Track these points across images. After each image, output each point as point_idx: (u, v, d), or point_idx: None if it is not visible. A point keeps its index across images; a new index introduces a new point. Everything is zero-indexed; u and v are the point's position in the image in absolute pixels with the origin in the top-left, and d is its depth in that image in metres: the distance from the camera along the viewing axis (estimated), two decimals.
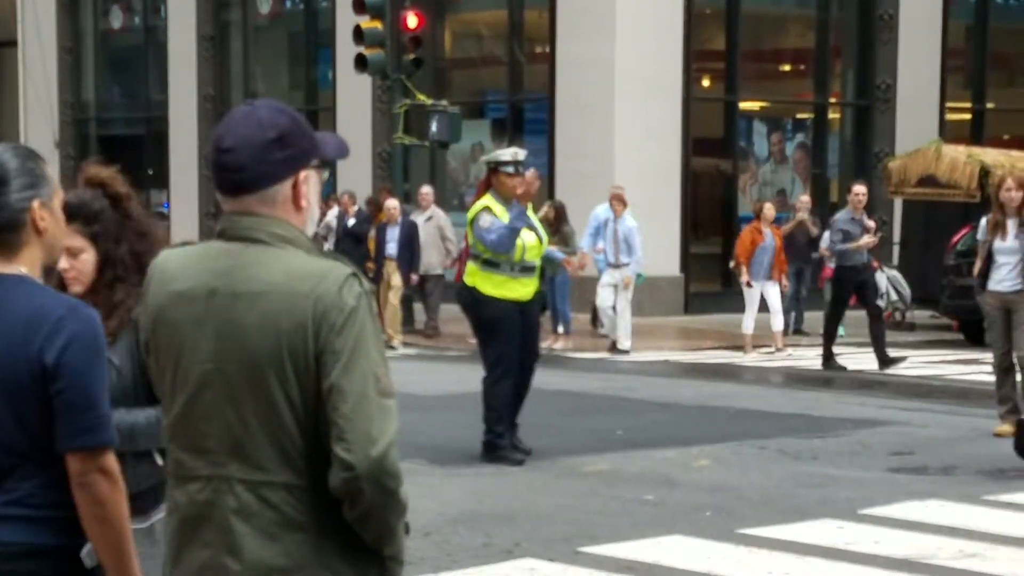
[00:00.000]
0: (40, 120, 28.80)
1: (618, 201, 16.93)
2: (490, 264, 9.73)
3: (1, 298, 3.10)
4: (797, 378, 15.22)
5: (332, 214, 19.38)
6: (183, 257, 2.96)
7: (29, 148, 3.28)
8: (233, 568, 2.83)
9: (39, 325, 3.06)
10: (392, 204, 17.99)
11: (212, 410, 2.85)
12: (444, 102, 19.91)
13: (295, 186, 2.89)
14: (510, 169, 9.68)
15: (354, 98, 23.98)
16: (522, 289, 9.80)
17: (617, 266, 16.83)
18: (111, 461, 3.09)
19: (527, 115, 23.52)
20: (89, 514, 3.07)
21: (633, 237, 16.80)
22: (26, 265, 3.15)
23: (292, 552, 2.81)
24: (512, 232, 9.54)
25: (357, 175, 22.42)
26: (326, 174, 2.89)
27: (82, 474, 3.07)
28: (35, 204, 3.14)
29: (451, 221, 18.92)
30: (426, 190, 19.12)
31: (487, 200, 9.75)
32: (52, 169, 3.29)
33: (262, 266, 2.83)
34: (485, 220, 9.63)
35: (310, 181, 2.93)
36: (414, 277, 17.77)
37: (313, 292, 2.78)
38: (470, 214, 9.90)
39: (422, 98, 19.61)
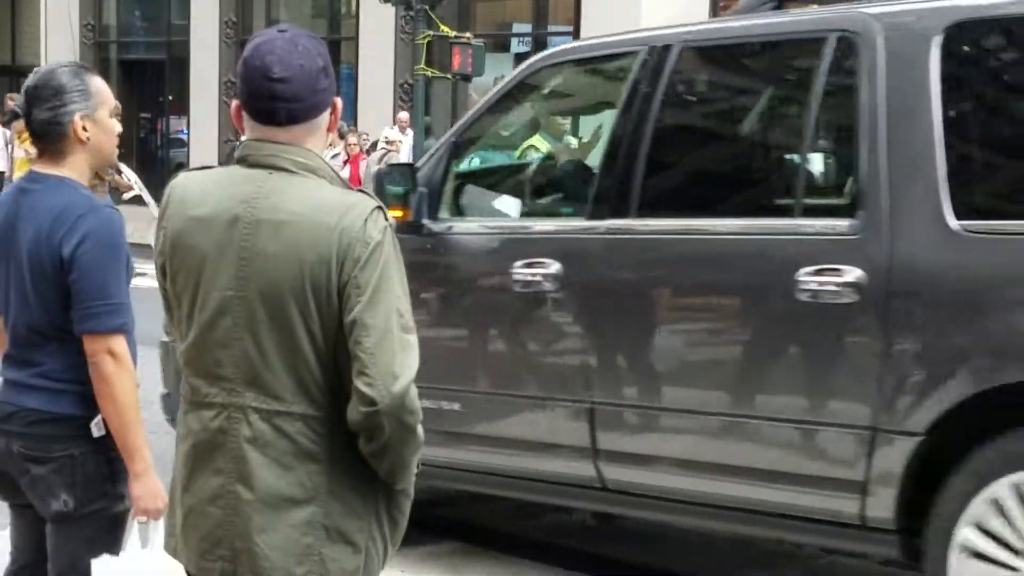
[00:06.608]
0: (60, 43, 28.62)
1: None
2: None
3: (39, 195, 3.58)
4: None
5: None
6: (203, 181, 2.89)
7: (79, 64, 3.70)
8: (245, 496, 2.82)
9: (63, 221, 3.51)
10: None
11: (230, 337, 2.81)
12: (468, 34, 19.71)
13: (332, 112, 2.90)
14: None
15: (377, 28, 23.78)
16: None
17: None
18: (119, 345, 3.52)
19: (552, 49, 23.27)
20: (99, 391, 3.52)
21: None
22: (69, 170, 3.60)
23: (304, 482, 2.80)
24: None
25: (379, 106, 22.28)
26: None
27: (93, 354, 3.51)
28: (77, 117, 3.57)
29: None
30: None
31: (536, 140, 9.64)
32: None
33: (286, 194, 2.78)
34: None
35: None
36: None
37: (339, 224, 2.73)
38: (518, 152, 9.71)
39: (446, 30, 19.38)
